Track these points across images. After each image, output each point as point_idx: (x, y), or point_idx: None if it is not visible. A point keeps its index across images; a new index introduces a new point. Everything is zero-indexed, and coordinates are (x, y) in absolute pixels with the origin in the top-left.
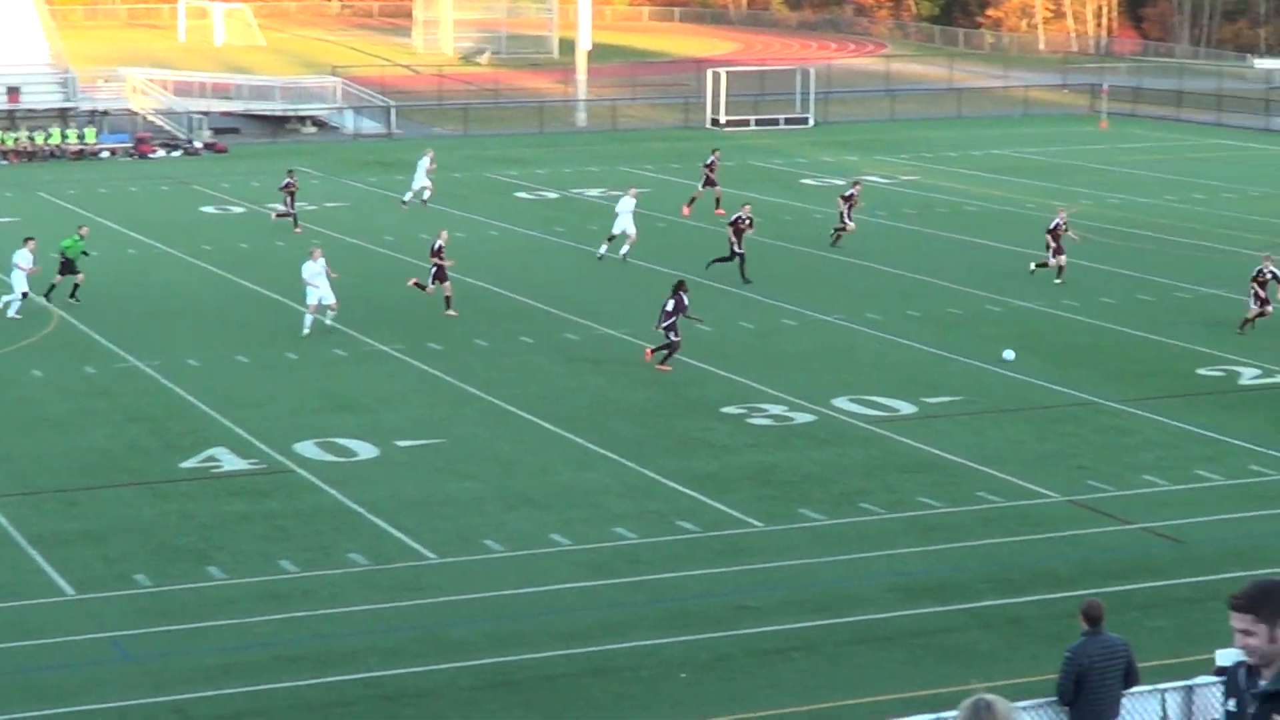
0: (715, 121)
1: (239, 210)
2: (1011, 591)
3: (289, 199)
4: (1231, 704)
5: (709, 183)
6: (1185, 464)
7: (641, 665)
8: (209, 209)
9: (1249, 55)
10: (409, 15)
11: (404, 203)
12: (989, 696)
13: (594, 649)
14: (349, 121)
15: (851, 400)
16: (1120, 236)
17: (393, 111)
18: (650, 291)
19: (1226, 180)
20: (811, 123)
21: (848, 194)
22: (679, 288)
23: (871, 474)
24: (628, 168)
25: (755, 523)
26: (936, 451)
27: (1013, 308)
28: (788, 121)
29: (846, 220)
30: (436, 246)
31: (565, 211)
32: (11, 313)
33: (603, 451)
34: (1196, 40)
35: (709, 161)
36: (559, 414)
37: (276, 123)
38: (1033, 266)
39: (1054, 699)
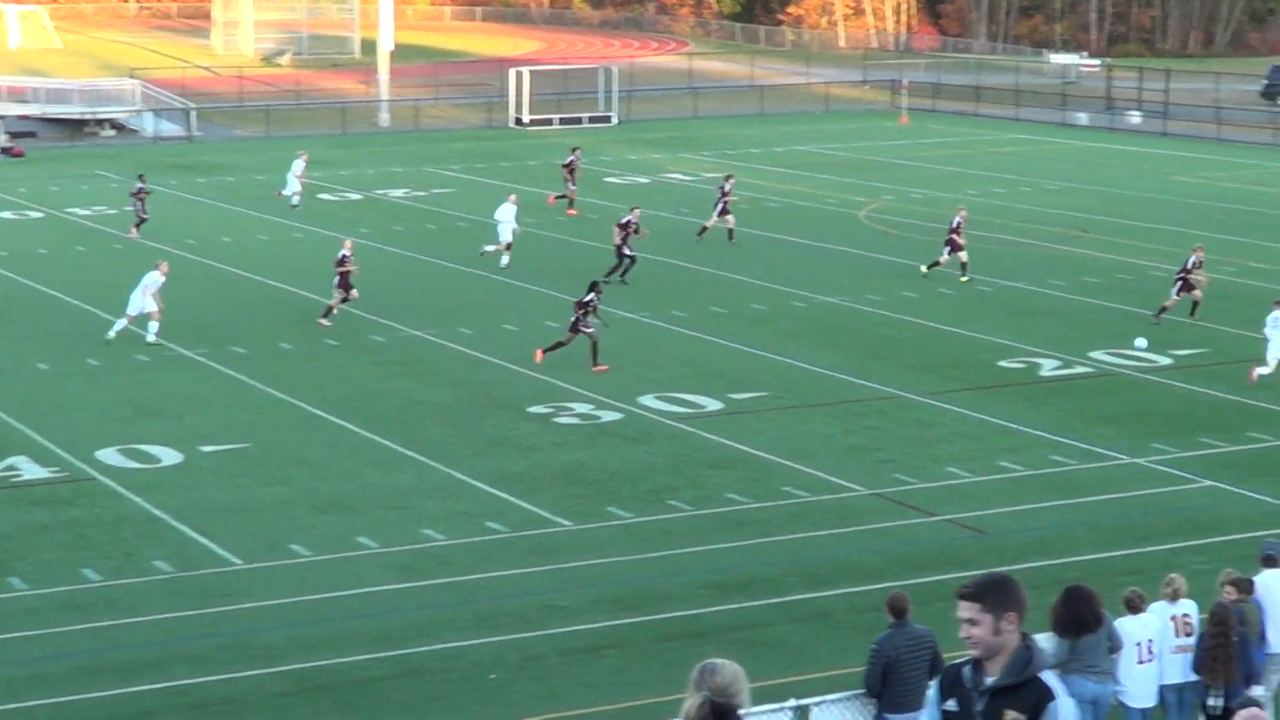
0: (519, 121)
1: (37, 215)
2: (820, 585)
3: (140, 204)
4: (951, 703)
5: (569, 182)
6: (988, 455)
7: (452, 667)
8: (6, 214)
9: (1045, 50)
10: (208, 16)
11: (293, 206)
12: (716, 660)
13: (404, 651)
14: (148, 124)
15: (658, 398)
16: (922, 231)
17: (193, 114)
18: (453, 292)
19: (1025, 174)
20: (615, 121)
21: (724, 188)
22: (594, 287)
23: (679, 471)
24: (432, 168)
25: (564, 522)
26: (744, 447)
27: (816, 303)
28: (591, 120)
29: (724, 217)
30: (340, 256)
31: (369, 213)
32: None
33: (410, 453)
34: (994, 36)
35: (568, 161)
36: (366, 416)
37: (74, 126)
38: (924, 270)
39: (862, 691)
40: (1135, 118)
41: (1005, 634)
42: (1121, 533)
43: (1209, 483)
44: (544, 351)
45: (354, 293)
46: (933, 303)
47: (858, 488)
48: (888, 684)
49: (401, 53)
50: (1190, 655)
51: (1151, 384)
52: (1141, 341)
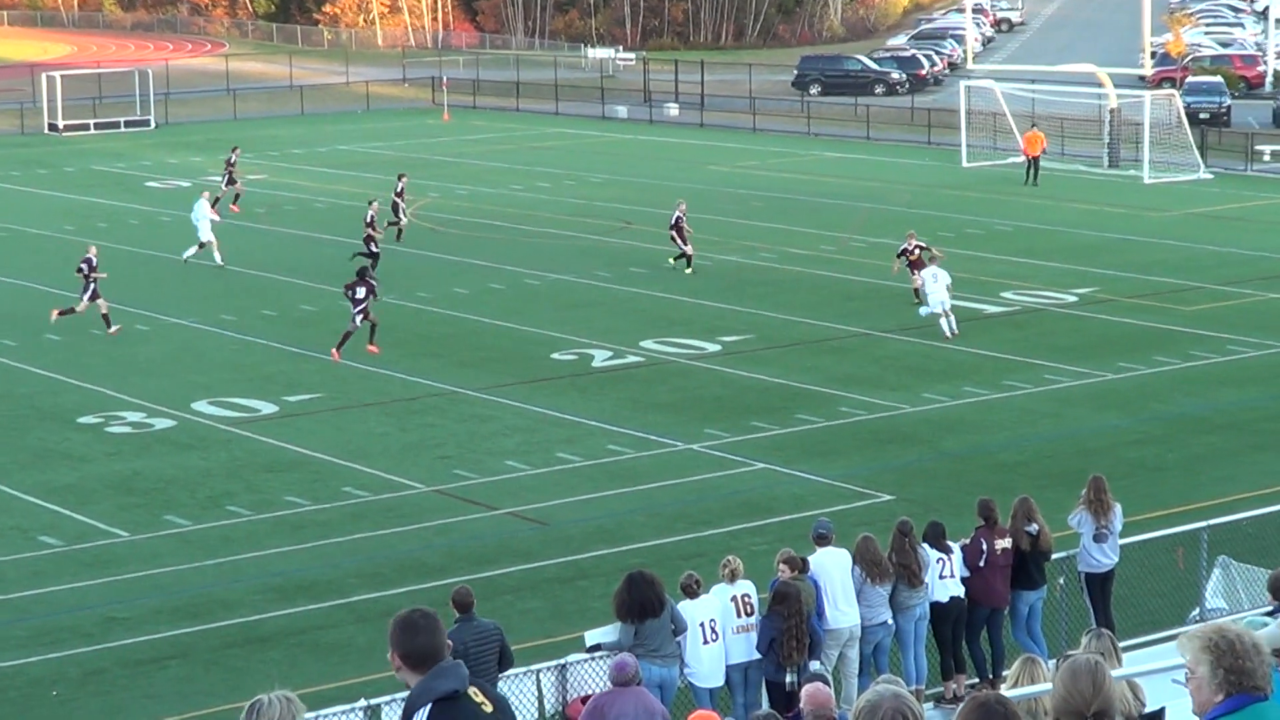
0: (53, 126)
1: None
2: (383, 584)
3: None
4: None
5: (230, 180)
6: (545, 447)
7: (10, 685)
8: None
9: (583, 45)
10: None
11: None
12: (264, 697)
13: None
14: None
15: (211, 403)
16: (470, 227)
17: None
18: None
19: (568, 168)
20: (153, 124)
21: (398, 189)
22: (364, 273)
23: (236, 476)
24: None
25: (121, 532)
26: (301, 449)
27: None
28: (129, 124)
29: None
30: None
31: None
32: None
33: None
34: (531, 32)
35: (229, 159)
36: None
37: None
38: (670, 261)
39: None
40: (673, 110)
41: (401, 674)
42: (679, 518)
43: (761, 465)
44: (337, 349)
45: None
46: (484, 298)
47: (417, 485)
48: None
49: None
50: (753, 634)
51: (701, 370)
52: (926, 310)
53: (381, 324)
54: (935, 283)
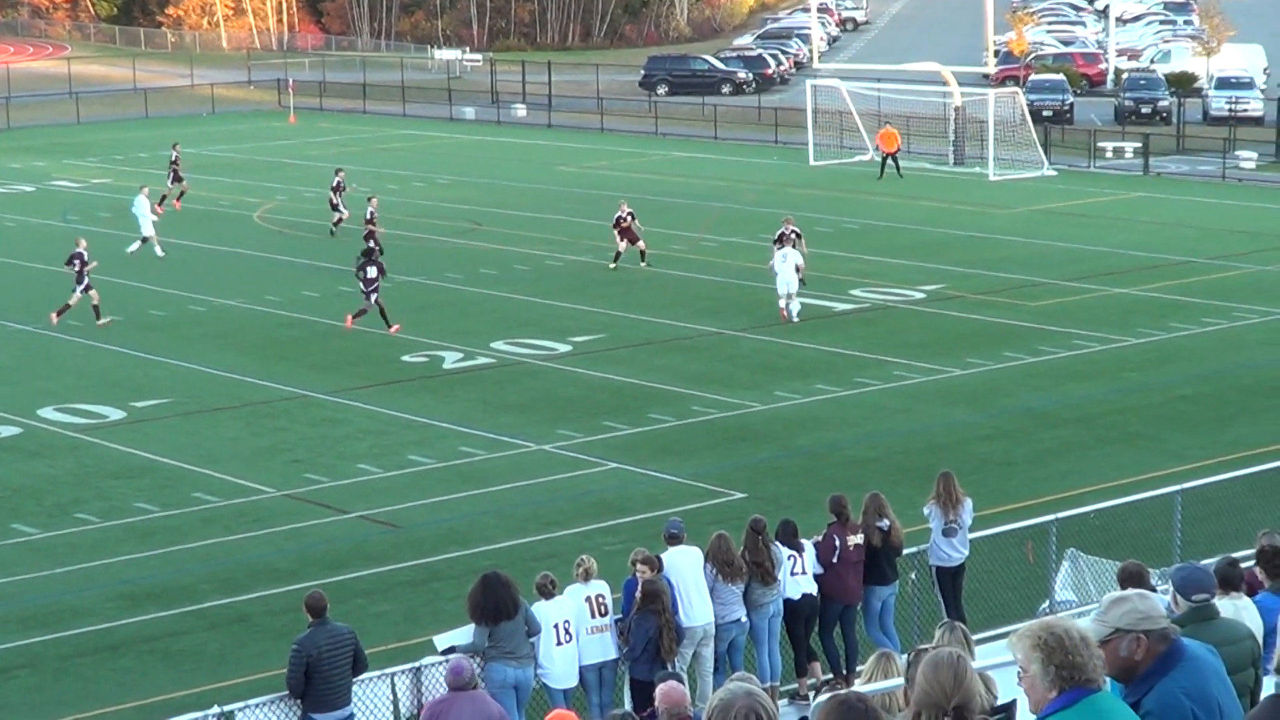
0: None
1: None
2: (235, 590)
3: None
4: None
5: (176, 178)
6: (397, 450)
7: None
8: None
9: (429, 47)
10: None
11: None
12: None
13: None
14: None
15: (57, 409)
16: (317, 230)
17: None
18: None
19: (416, 169)
20: None
21: (334, 184)
22: (372, 254)
23: (84, 483)
24: None
25: None
26: (150, 455)
27: (216, 306)
28: None
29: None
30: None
31: None
32: None
33: None
34: (377, 34)
35: (173, 157)
36: None
37: None
38: (611, 265)
39: (286, 693)
40: (521, 110)
41: None
42: (532, 519)
43: (614, 465)
44: (353, 318)
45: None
46: (333, 301)
47: (269, 490)
48: (311, 684)
49: None
50: (608, 635)
51: (552, 371)
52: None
53: (229, 328)
54: (785, 263)
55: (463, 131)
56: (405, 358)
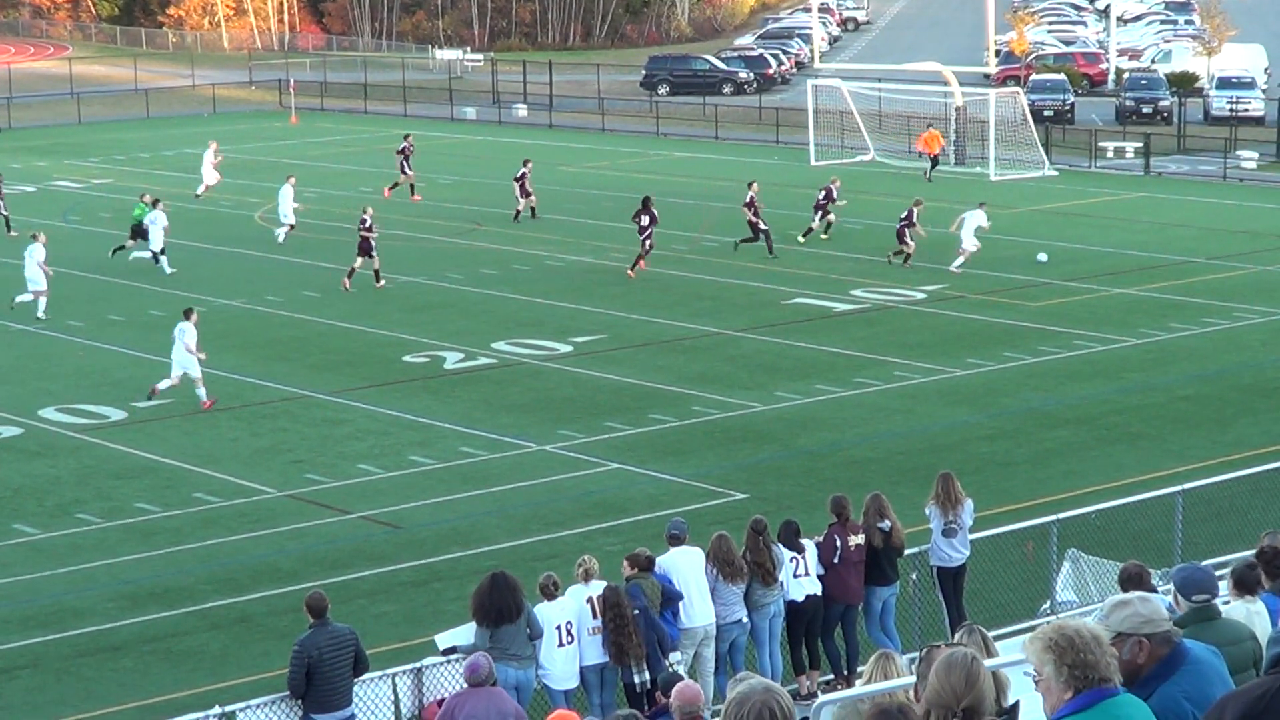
0: None
1: None
2: (236, 590)
3: None
4: None
5: (404, 169)
6: (398, 450)
7: None
8: None
9: (430, 46)
10: None
11: (197, 194)
12: None
13: None
14: None
15: (58, 410)
16: (319, 230)
17: None
18: None
19: (417, 169)
20: None
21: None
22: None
23: (86, 483)
24: None
25: None
26: (151, 456)
27: (217, 306)
28: None
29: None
30: (365, 222)
31: None
32: None
33: None
34: (378, 34)
35: (404, 148)
36: None
37: None
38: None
39: (287, 693)
40: (522, 110)
41: None
42: (533, 519)
43: (615, 465)
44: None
45: (375, 260)
46: (334, 301)
47: (269, 490)
48: (312, 684)
49: None
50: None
51: (553, 371)
52: (1042, 256)
53: (229, 328)
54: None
55: (464, 131)
56: (406, 358)
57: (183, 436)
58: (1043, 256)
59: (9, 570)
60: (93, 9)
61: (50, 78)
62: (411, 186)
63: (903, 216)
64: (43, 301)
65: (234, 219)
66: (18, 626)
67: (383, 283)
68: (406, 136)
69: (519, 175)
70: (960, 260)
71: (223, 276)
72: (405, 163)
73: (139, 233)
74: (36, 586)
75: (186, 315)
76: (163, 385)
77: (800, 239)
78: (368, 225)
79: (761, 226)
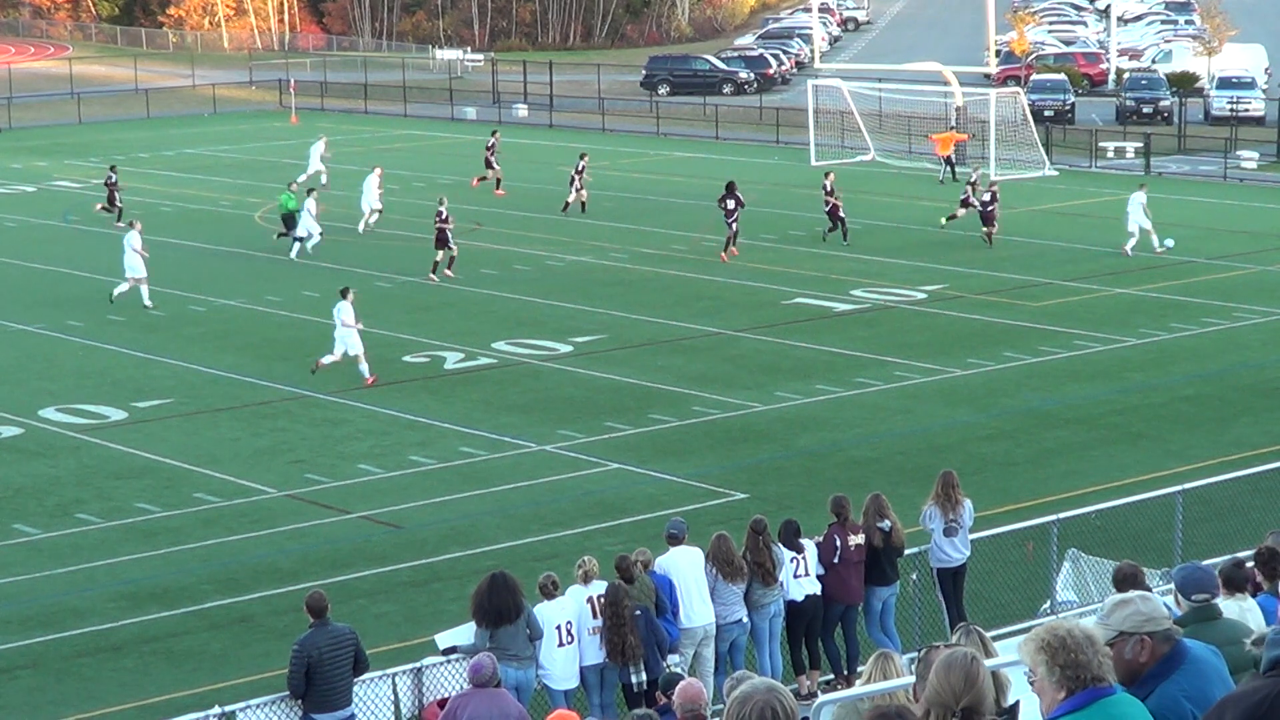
0: None
1: None
2: (237, 590)
3: (111, 194)
4: None
5: (489, 164)
6: (398, 450)
7: None
8: None
9: (430, 46)
10: None
11: (323, 185)
12: None
13: None
14: None
15: (59, 410)
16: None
17: None
18: None
19: (417, 170)
20: None
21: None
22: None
23: (86, 483)
24: None
25: None
26: (151, 456)
27: (216, 306)
28: None
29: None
30: (441, 214)
31: None
32: None
33: None
34: (378, 34)
35: (490, 144)
36: None
37: None
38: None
39: (286, 693)
40: (522, 110)
41: None
42: (533, 519)
43: (615, 465)
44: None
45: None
46: (334, 301)
47: (270, 490)
48: (312, 684)
49: None
50: None
51: (554, 371)
52: (1169, 241)
53: (229, 328)
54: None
55: (464, 131)
56: (406, 358)
57: (183, 436)
58: (1170, 242)
59: (9, 570)
60: (93, 9)
61: (50, 78)
62: (498, 181)
63: (981, 200)
64: (144, 289)
65: (234, 219)
66: (18, 626)
67: (450, 273)
68: (494, 133)
69: (578, 168)
70: (1132, 244)
71: (222, 276)
72: (492, 158)
73: (289, 222)
74: (36, 586)
75: (343, 294)
76: (326, 360)
77: (844, 240)
78: (444, 217)
79: (840, 214)
